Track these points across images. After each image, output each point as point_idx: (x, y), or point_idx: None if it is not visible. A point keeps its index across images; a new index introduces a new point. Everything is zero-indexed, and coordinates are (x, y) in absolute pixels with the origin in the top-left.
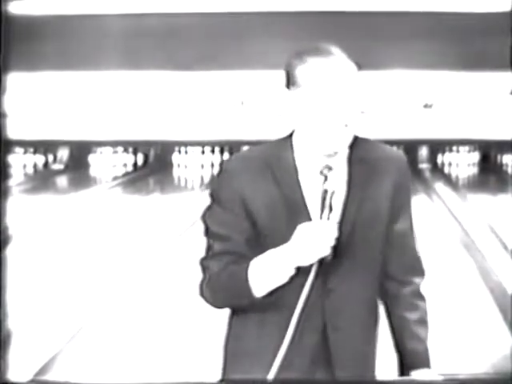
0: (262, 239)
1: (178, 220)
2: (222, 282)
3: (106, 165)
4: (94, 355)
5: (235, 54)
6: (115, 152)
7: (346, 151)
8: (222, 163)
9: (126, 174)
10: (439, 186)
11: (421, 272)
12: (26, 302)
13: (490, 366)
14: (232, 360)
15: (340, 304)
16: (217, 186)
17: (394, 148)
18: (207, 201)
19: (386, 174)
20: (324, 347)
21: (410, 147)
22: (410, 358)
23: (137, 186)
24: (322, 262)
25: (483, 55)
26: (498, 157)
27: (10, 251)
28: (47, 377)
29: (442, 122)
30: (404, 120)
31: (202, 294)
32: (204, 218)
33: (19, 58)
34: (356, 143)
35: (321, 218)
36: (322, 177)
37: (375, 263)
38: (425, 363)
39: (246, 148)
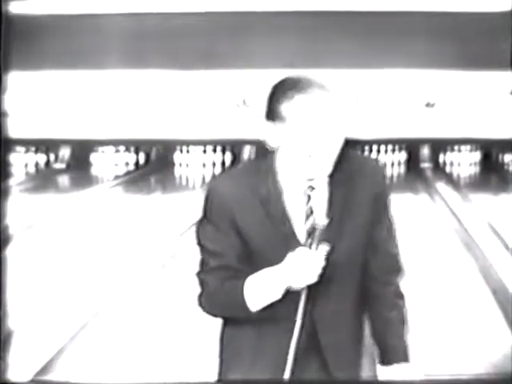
0: (253, 256)
1: (180, 219)
2: (220, 298)
3: (108, 164)
4: (94, 355)
5: (237, 53)
6: (117, 151)
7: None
8: (209, 183)
9: (128, 173)
10: (441, 186)
11: (400, 272)
12: (27, 301)
13: (490, 365)
14: (227, 369)
15: (328, 312)
16: (207, 205)
17: (370, 157)
18: (199, 216)
19: (366, 188)
20: (316, 351)
21: (412, 146)
22: (391, 355)
23: (138, 185)
24: (310, 285)
25: (485, 54)
26: (500, 156)
27: (11, 250)
28: (48, 377)
29: (444, 121)
30: (406, 119)
31: (200, 305)
32: (197, 234)
33: (21, 57)
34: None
35: (310, 248)
36: (306, 197)
37: (357, 272)
38: (405, 358)
39: (247, 147)
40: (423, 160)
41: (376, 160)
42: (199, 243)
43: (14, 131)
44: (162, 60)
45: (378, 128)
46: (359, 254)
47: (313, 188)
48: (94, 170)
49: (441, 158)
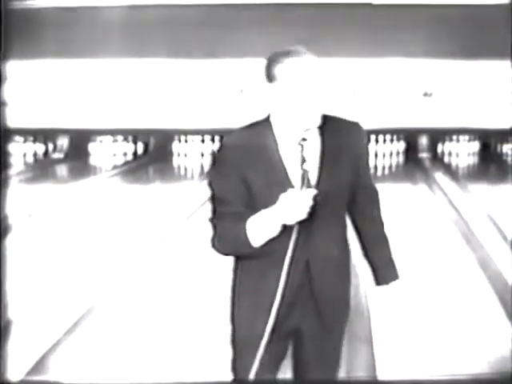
0: (255, 200)
1: (178, 209)
2: (228, 238)
3: (106, 154)
4: (92, 351)
5: (235, 42)
6: (115, 141)
7: (317, 126)
8: (221, 139)
9: (126, 162)
10: (439, 176)
11: (378, 199)
12: (25, 292)
13: (490, 365)
14: (238, 299)
15: (319, 245)
16: (218, 159)
17: (355, 122)
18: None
19: (351, 142)
20: (308, 284)
21: (410, 136)
22: (381, 271)
23: (137, 174)
24: (301, 221)
25: (483, 44)
26: (498, 146)
27: (9, 241)
28: (44, 373)
29: (442, 111)
30: (404, 109)
31: (213, 246)
32: (210, 185)
33: (18, 46)
34: (324, 119)
35: (301, 189)
36: (299, 146)
37: (343, 208)
38: (395, 275)
39: None
40: (422, 150)
41: (357, 123)
42: (212, 193)
43: (12, 121)
44: (161, 49)
45: (376, 118)
46: (345, 191)
47: (305, 139)
48: (92, 160)
49: (439, 148)
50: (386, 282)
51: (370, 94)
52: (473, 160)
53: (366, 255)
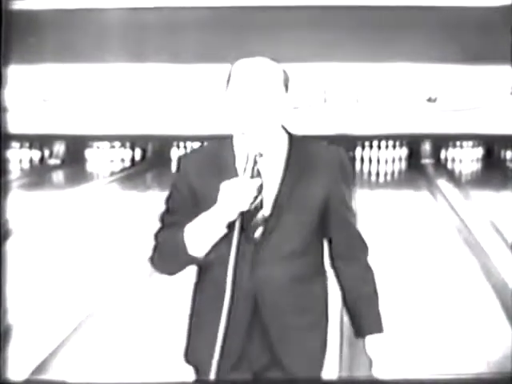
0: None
1: None
2: (165, 246)
3: (103, 160)
4: (93, 353)
5: (234, 47)
6: (112, 147)
7: (285, 146)
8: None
9: (124, 169)
10: (442, 183)
11: (365, 248)
12: (24, 297)
13: (490, 365)
14: (193, 331)
15: (271, 277)
16: (175, 171)
17: (334, 146)
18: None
19: (321, 168)
20: (258, 321)
21: (413, 142)
22: (366, 326)
23: (134, 181)
24: (246, 218)
25: (489, 49)
26: (502, 152)
27: (7, 248)
28: (46, 374)
29: (446, 117)
30: (407, 114)
31: (152, 263)
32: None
33: (17, 51)
34: (296, 140)
35: (242, 176)
36: (253, 161)
37: (306, 243)
38: (379, 329)
39: None
40: (425, 156)
41: (339, 149)
42: (165, 205)
43: (8, 126)
44: (159, 55)
45: (379, 123)
46: (309, 217)
47: (261, 154)
48: (89, 166)
49: (442, 153)
50: (367, 335)
51: (373, 99)
52: (476, 166)
53: (347, 309)
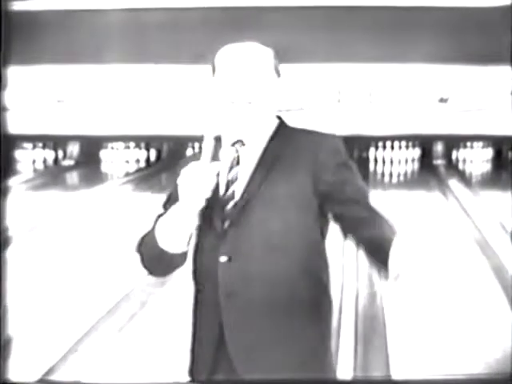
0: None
1: None
2: (144, 243)
3: (118, 160)
4: (98, 357)
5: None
6: (127, 147)
7: (267, 135)
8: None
9: (139, 170)
10: (453, 183)
11: (368, 198)
12: (31, 301)
13: (490, 365)
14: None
15: (241, 273)
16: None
17: (329, 134)
18: None
19: (306, 155)
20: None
21: (426, 143)
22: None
23: (149, 182)
24: (217, 209)
25: (502, 50)
26: (510, 153)
27: (20, 249)
28: (51, 377)
29: (458, 117)
30: (419, 115)
31: (141, 264)
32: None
33: (28, 52)
34: (285, 129)
35: (224, 193)
36: (234, 149)
37: (286, 238)
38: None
39: None
40: (436, 157)
41: (331, 135)
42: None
43: (21, 127)
44: (174, 54)
45: (391, 124)
46: (291, 213)
47: (243, 143)
48: (103, 167)
49: (454, 154)
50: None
51: (385, 99)
52: (486, 167)
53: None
